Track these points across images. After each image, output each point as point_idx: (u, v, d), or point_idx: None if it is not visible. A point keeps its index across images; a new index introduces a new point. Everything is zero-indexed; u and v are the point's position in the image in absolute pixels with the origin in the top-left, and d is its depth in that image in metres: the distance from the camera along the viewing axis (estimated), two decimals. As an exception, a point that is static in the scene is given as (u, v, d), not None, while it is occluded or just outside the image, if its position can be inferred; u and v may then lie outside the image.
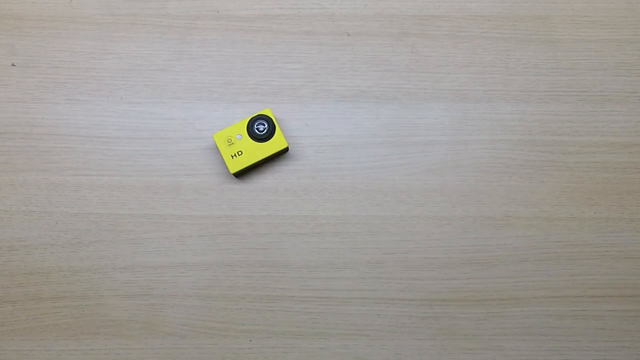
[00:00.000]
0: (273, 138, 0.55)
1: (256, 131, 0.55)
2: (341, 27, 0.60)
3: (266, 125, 0.55)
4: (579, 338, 0.56)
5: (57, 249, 0.56)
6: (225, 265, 0.57)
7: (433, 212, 0.56)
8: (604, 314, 0.55)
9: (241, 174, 0.57)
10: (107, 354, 0.56)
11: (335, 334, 0.56)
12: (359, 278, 0.56)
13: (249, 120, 0.55)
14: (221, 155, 0.55)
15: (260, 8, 0.60)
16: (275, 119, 0.55)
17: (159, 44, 0.59)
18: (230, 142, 0.55)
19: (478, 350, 0.56)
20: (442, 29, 0.60)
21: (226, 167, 0.55)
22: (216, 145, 0.55)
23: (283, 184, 0.57)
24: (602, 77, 0.59)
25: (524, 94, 0.59)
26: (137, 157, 0.57)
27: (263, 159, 0.56)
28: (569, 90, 0.59)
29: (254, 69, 0.59)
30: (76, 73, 0.59)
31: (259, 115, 0.55)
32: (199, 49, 0.59)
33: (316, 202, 0.56)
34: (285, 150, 0.56)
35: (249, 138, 0.55)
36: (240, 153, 0.55)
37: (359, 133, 0.58)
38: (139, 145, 0.58)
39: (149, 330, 0.56)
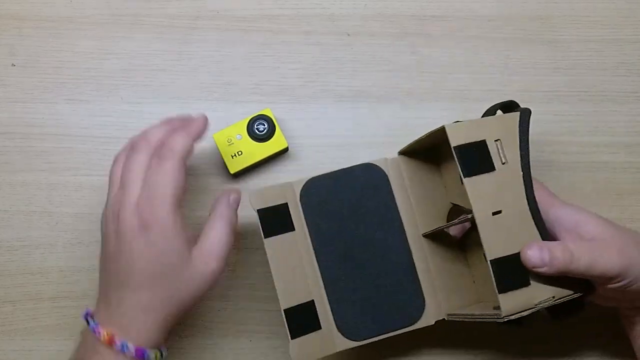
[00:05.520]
0: (273, 138, 0.55)
1: (256, 131, 0.55)
2: (341, 27, 0.60)
3: (266, 125, 0.55)
4: (579, 337, 0.56)
5: (57, 249, 0.56)
6: (225, 265, 0.56)
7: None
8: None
9: (241, 174, 0.57)
10: (107, 354, 0.55)
11: (335, 334, 0.56)
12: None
13: (249, 120, 0.55)
14: (221, 155, 0.55)
15: (260, 8, 0.60)
16: (275, 118, 0.55)
17: (159, 44, 0.59)
18: (230, 142, 0.55)
19: (479, 350, 0.56)
20: (442, 29, 0.60)
21: (226, 167, 0.55)
22: (216, 145, 0.55)
23: (283, 184, 0.57)
24: (602, 77, 0.59)
25: (524, 94, 0.59)
26: (137, 157, 0.57)
27: (263, 159, 0.56)
28: (569, 90, 0.59)
29: (254, 69, 0.59)
30: (76, 73, 0.59)
31: (259, 115, 0.55)
32: (199, 49, 0.59)
33: (316, 202, 0.56)
34: (285, 150, 0.56)
35: (249, 138, 0.55)
36: (240, 153, 0.55)
37: (359, 133, 0.58)
38: (139, 145, 0.58)
39: (149, 330, 0.56)
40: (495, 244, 0.43)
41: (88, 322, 0.44)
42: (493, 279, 0.43)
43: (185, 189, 0.45)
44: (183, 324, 0.56)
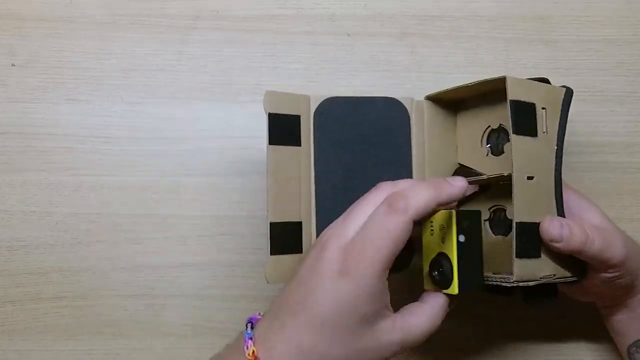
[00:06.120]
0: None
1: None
2: (341, 27, 0.60)
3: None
4: (578, 337, 0.56)
5: (57, 249, 0.56)
6: (225, 265, 0.57)
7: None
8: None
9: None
10: (107, 354, 0.56)
11: (335, 334, 0.56)
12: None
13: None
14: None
15: (260, 8, 0.60)
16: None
17: (159, 44, 0.59)
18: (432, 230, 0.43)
19: (475, 350, 0.56)
20: (442, 29, 0.60)
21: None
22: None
23: (283, 184, 0.57)
24: (602, 77, 0.59)
25: (524, 94, 0.59)
26: (137, 157, 0.57)
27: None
28: (569, 90, 0.59)
29: (254, 69, 0.59)
30: (76, 73, 0.59)
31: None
32: (199, 49, 0.59)
33: (316, 202, 0.56)
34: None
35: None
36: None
37: (359, 133, 0.58)
38: (139, 145, 0.58)
39: (149, 330, 0.56)
40: (524, 207, 0.42)
41: (247, 327, 0.40)
42: (514, 241, 0.42)
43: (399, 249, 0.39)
44: (180, 323, 0.56)
